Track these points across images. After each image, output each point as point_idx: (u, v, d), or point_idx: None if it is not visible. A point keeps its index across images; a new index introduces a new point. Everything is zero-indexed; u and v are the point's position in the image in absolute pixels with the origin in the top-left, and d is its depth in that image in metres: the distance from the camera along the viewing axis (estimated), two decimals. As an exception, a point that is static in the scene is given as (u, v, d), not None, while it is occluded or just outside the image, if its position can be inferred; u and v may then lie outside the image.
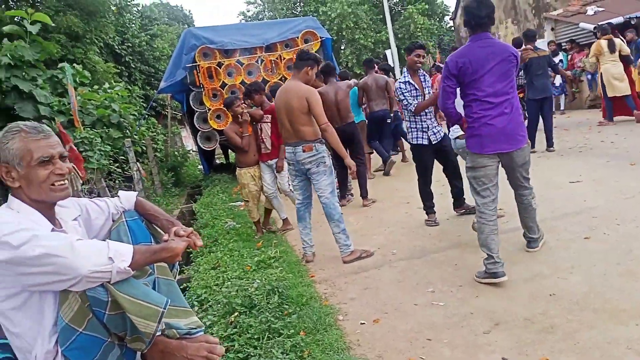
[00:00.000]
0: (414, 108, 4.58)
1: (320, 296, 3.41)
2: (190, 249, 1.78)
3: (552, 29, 14.39)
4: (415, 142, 4.72)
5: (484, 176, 3.31)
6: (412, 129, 4.72)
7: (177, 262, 1.94)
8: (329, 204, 4.10)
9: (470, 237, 4.13)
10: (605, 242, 3.55)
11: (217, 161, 14.39)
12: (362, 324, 2.92)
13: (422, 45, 4.82)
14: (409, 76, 4.66)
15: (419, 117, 4.66)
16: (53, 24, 9.67)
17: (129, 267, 1.62)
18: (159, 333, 1.74)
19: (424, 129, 4.67)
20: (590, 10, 12.69)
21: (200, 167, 13.85)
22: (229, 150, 13.97)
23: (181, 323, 1.87)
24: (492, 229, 3.28)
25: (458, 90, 3.41)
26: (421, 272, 3.59)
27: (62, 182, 1.80)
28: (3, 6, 13.18)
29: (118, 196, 2.12)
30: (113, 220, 2.04)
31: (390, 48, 23.13)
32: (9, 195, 1.78)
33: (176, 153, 13.95)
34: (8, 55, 7.88)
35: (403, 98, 4.62)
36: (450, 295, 3.13)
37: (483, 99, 3.24)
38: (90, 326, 1.64)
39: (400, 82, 4.67)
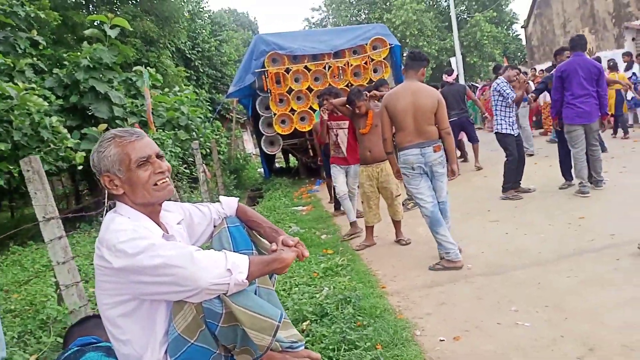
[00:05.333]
0: (513, 98, 6.16)
1: (393, 309, 3.29)
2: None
3: (633, 39, 13.62)
4: (505, 132, 6.22)
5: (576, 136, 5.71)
6: (503, 121, 6.24)
7: None
8: (447, 201, 4.24)
9: (552, 256, 3.90)
10: None
11: (277, 165, 14.51)
12: (441, 340, 2.78)
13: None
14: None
15: (509, 112, 6.23)
16: (131, 29, 10.09)
17: (246, 279, 1.58)
18: None
19: (511, 123, 6.25)
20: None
21: (261, 170, 14.02)
22: (289, 155, 14.08)
23: (282, 336, 1.81)
24: (583, 165, 5.67)
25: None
26: (501, 289, 3.39)
27: (164, 180, 1.77)
28: (84, 11, 13.90)
29: (219, 201, 2.09)
30: (214, 226, 2.01)
31: (454, 55, 22.66)
32: (116, 202, 1.77)
33: (238, 156, 14.19)
34: (88, 57, 8.26)
35: (510, 90, 6.18)
36: (536, 316, 2.92)
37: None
38: (202, 338, 1.61)
39: (502, 81, 6.27)
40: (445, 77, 9.27)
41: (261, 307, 1.60)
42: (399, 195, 4.99)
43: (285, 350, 1.82)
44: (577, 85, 5.63)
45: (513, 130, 6.24)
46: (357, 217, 5.62)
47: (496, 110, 6.32)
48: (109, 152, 1.72)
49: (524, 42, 28.13)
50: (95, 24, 9.56)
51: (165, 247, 1.54)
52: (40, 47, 8.99)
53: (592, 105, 5.64)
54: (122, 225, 1.60)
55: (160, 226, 1.78)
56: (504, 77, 6.38)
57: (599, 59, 9.15)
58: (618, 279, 3.28)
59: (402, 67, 11.02)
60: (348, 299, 3.26)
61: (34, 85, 7.34)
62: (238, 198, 2.17)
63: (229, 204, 2.07)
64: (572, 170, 6.00)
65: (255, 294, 1.69)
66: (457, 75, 16.51)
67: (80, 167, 7.56)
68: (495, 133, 6.36)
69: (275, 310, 1.61)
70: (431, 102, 4.04)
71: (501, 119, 6.27)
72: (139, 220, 1.69)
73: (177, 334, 1.59)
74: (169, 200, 1.85)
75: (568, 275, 3.45)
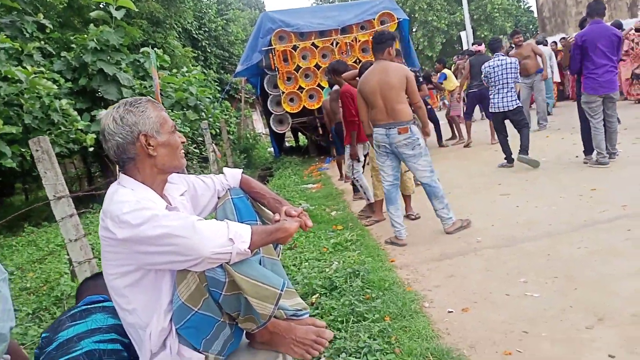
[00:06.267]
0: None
1: (402, 282, 3.30)
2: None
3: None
4: (520, 104, 6.52)
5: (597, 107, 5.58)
6: (515, 95, 6.51)
7: None
8: (431, 182, 4.14)
9: (563, 227, 3.88)
10: None
11: (287, 144, 14.51)
12: (449, 312, 2.79)
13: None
14: None
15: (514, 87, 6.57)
16: (136, 9, 10.04)
17: (248, 248, 1.58)
18: None
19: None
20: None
21: (271, 149, 14.03)
22: (299, 133, 14.05)
23: (287, 304, 1.83)
24: (602, 137, 5.58)
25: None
26: (511, 261, 3.39)
27: (183, 149, 1.85)
28: (90, -7, 13.83)
29: (223, 173, 2.09)
30: (218, 197, 2.01)
31: (465, 29, 22.29)
32: (120, 174, 1.77)
33: (248, 135, 14.20)
34: (95, 40, 8.25)
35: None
36: (545, 287, 2.92)
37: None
38: (206, 306, 1.62)
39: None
40: (474, 47, 9.37)
41: (264, 276, 1.60)
42: (408, 170, 4.97)
43: (289, 317, 1.83)
44: (599, 54, 5.42)
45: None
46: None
47: (508, 86, 6.45)
48: (149, 113, 1.74)
49: (535, 14, 27.58)
50: (101, 5, 9.53)
51: (167, 217, 1.55)
52: (47, 31, 9.00)
53: (614, 75, 5.49)
54: (125, 197, 1.60)
55: (163, 198, 1.79)
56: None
57: (619, 25, 8.96)
58: (628, 250, 3.25)
59: (409, 41, 10.95)
60: (357, 273, 3.28)
61: (42, 69, 7.38)
62: (242, 170, 2.17)
63: (233, 175, 2.07)
64: (593, 142, 5.72)
65: (260, 263, 1.70)
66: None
67: (91, 149, 7.63)
68: (517, 107, 6.42)
69: (278, 279, 1.62)
70: (398, 79, 4.03)
71: (514, 93, 6.49)
72: (142, 192, 1.69)
73: (180, 302, 1.61)
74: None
75: (578, 247, 3.43)
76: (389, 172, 4.27)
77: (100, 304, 1.92)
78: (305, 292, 3.19)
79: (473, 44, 9.74)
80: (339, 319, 2.69)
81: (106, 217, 1.58)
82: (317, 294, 3.12)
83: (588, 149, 5.95)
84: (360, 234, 4.56)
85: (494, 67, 6.58)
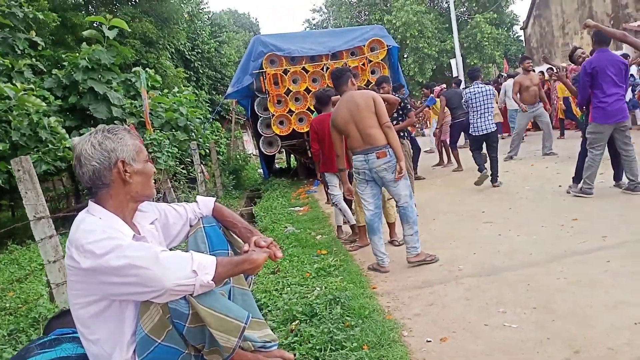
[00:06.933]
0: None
1: (382, 309, 3.30)
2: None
3: (632, 41, 13.60)
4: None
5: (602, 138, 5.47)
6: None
7: None
8: (408, 207, 4.10)
9: (543, 257, 3.91)
10: (698, 270, 3.24)
11: (277, 166, 14.54)
12: (428, 341, 2.79)
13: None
14: None
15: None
16: (129, 30, 10.12)
17: (212, 280, 1.59)
18: None
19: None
20: (676, 20, 11.91)
21: (260, 171, 14.04)
22: (292, 155, 14.09)
23: (255, 335, 1.83)
24: (596, 169, 5.53)
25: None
26: (491, 291, 3.40)
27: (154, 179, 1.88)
28: (83, 12, 13.94)
29: (196, 201, 2.10)
30: (190, 226, 2.02)
31: (455, 57, 22.65)
32: (89, 201, 1.78)
33: (238, 156, 14.22)
34: (86, 58, 8.29)
35: None
36: (524, 317, 2.93)
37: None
38: (169, 337, 1.62)
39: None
40: (437, 89, 10.55)
41: (227, 308, 1.61)
42: (391, 198, 5.01)
43: (257, 350, 1.83)
44: (609, 83, 5.34)
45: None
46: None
47: (488, 110, 7.08)
48: (127, 141, 1.76)
49: (524, 44, 28.14)
50: (94, 25, 9.59)
51: (132, 247, 1.55)
52: (39, 48, 9.05)
53: (623, 103, 5.42)
54: (92, 226, 1.61)
55: (132, 227, 1.79)
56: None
57: (626, 55, 9.10)
58: (607, 281, 3.28)
59: (398, 67, 11.14)
60: (337, 299, 3.27)
61: (32, 86, 7.38)
62: (215, 198, 2.18)
63: (206, 203, 2.08)
64: (583, 172, 5.63)
65: (230, 293, 1.70)
66: (458, 77, 16.53)
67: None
68: (496, 130, 7.14)
69: (242, 312, 1.62)
70: (365, 102, 4.01)
71: (492, 118, 7.19)
72: (110, 221, 1.70)
73: (144, 333, 1.61)
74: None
75: (558, 277, 3.46)
76: (370, 200, 4.24)
77: (69, 335, 1.91)
78: (285, 319, 3.18)
79: (426, 88, 10.88)
80: (317, 347, 2.67)
81: (71, 246, 1.58)
82: (297, 321, 3.10)
83: (578, 178, 5.82)
84: (343, 259, 4.56)
85: (474, 94, 7.14)
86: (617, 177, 5.87)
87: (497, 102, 10.81)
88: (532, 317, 2.93)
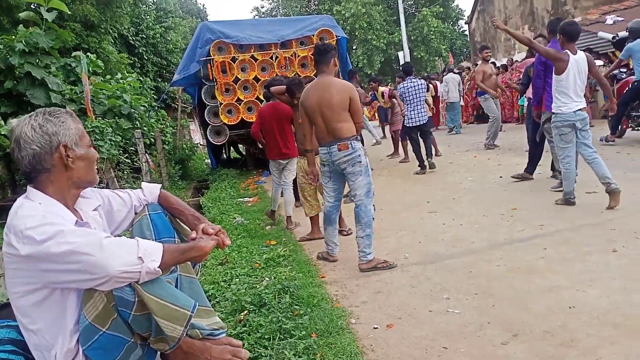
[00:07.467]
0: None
1: (331, 298, 3.34)
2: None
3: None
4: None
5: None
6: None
7: None
8: (362, 205, 3.91)
9: (484, 245, 4.07)
10: (624, 256, 3.46)
11: (224, 156, 14.33)
12: (375, 328, 2.85)
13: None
14: None
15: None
16: (69, 12, 9.66)
17: (158, 267, 1.55)
18: None
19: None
20: (610, 19, 12.59)
21: (208, 161, 13.80)
22: (239, 146, 13.92)
23: (203, 323, 1.80)
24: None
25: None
26: (435, 278, 3.51)
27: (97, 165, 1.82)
28: (19, -8, 13.18)
29: (141, 188, 2.04)
30: (135, 213, 1.96)
31: (402, 50, 23.01)
32: (28, 187, 1.70)
33: (184, 146, 13.92)
34: (23, 41, 7.86)
35: None
36: (466, 303, 3.05)
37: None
38: (114, 326, 1.57)
39: None
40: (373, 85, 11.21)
41: (174, 297, 1.58)
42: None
43: (206, 337, 1.81)
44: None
45: None
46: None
47: (421, 102, 7.78)
48: (69, 124, 1.69)
49: (469, 38, 28.93)
50: (32, 6, 9.10)
51: (74, 233, 1.50)
52: (-30, 29, 8.49)
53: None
54: (31, 211, 1.54)
55: (74, 213, 1.73)
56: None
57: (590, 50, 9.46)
58: (543, 267, 3.46)
59: (347, 59, 11.23)
60: (286, 289, 3.29)
61: (-37, 70, 6.94)
62: (161, 185, 2.13)
63: (151, 190, 2.03)
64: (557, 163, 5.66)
65: (177, 281, 1.68)
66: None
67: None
68: (428, 121, 8.06)
69: (189, 300, 1.60)
70: (340, 100, 3.85)
71: (425, 109, 8.00)
72: (51, 206, 1.63)
73: (87, 322, 1.56)
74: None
75: (498, 264, 3.61)
76: (331, 193, 4.17)
77: (5, 322, 1.82)
78: (234, 309, 3.16)
79: (373, 82, 11.32)
80: (266, 336, 2.68)
81: (10, 232, 1.51)
82: (246, 311, 3.09)
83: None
84: (293, 249, 4.58)
85: (408, 88, 7.71)
86: (554, 168, 6.08)
87: (431, 96, 11.56)
88: (474, 302, 3.05)
